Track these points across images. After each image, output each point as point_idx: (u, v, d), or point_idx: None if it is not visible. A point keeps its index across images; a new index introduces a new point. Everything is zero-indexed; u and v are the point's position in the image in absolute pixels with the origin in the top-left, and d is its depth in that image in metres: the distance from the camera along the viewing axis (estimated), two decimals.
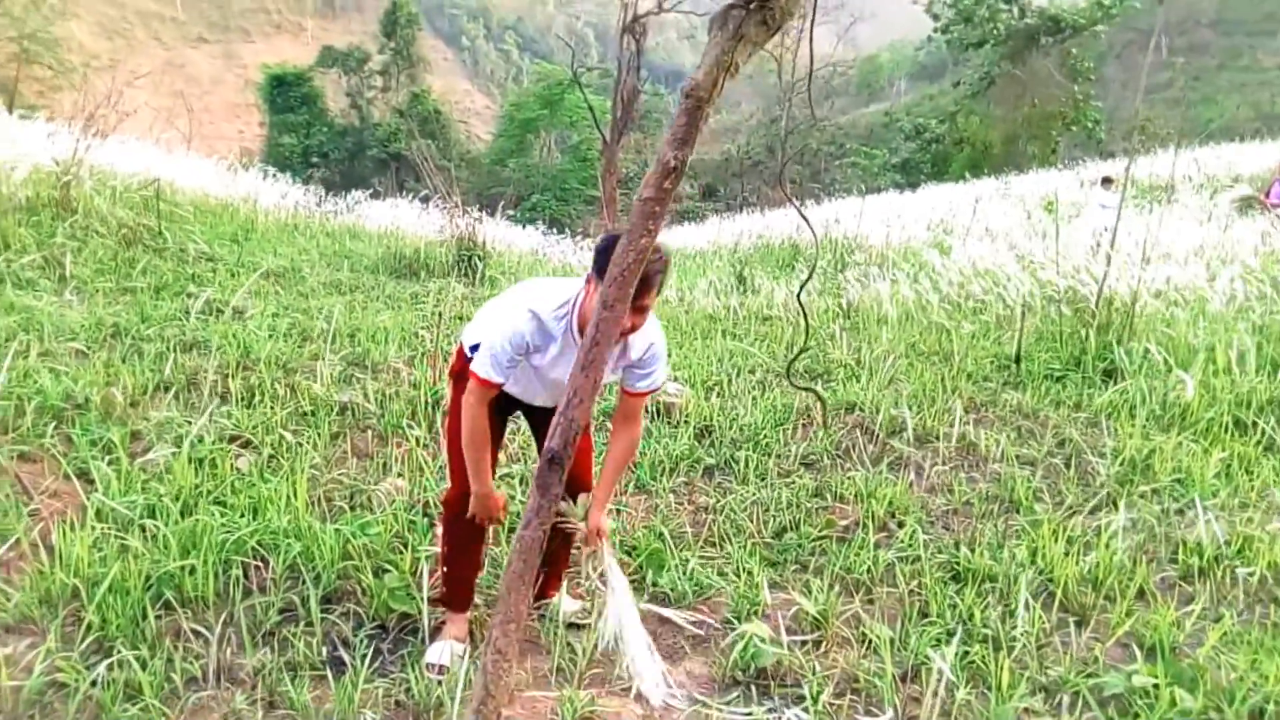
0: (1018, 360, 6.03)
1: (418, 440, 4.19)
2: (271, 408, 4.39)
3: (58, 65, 40.67)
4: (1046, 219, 12.35)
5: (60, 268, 6.24)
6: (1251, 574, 2.95)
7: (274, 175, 14.47)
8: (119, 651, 2.42)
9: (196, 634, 2.56)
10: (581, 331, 2.37)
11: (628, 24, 35.70)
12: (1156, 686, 2.21)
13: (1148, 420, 4.59)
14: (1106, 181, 13.86)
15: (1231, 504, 3.65)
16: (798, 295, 4.48)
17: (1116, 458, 4.20)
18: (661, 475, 4.13)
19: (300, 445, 3.99)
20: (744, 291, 10.93)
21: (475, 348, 2.53)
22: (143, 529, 3.00)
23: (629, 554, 3.19)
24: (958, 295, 8.46)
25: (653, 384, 2.61)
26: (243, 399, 4.51)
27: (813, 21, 2.81)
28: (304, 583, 2.79)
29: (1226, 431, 4.37)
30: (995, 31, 29.94)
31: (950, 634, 2.65)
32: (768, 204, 25.73)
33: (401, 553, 2.94)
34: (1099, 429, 4.63)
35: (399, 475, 3.85)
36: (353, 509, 3.44)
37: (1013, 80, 30.04)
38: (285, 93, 41.63)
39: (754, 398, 5.57)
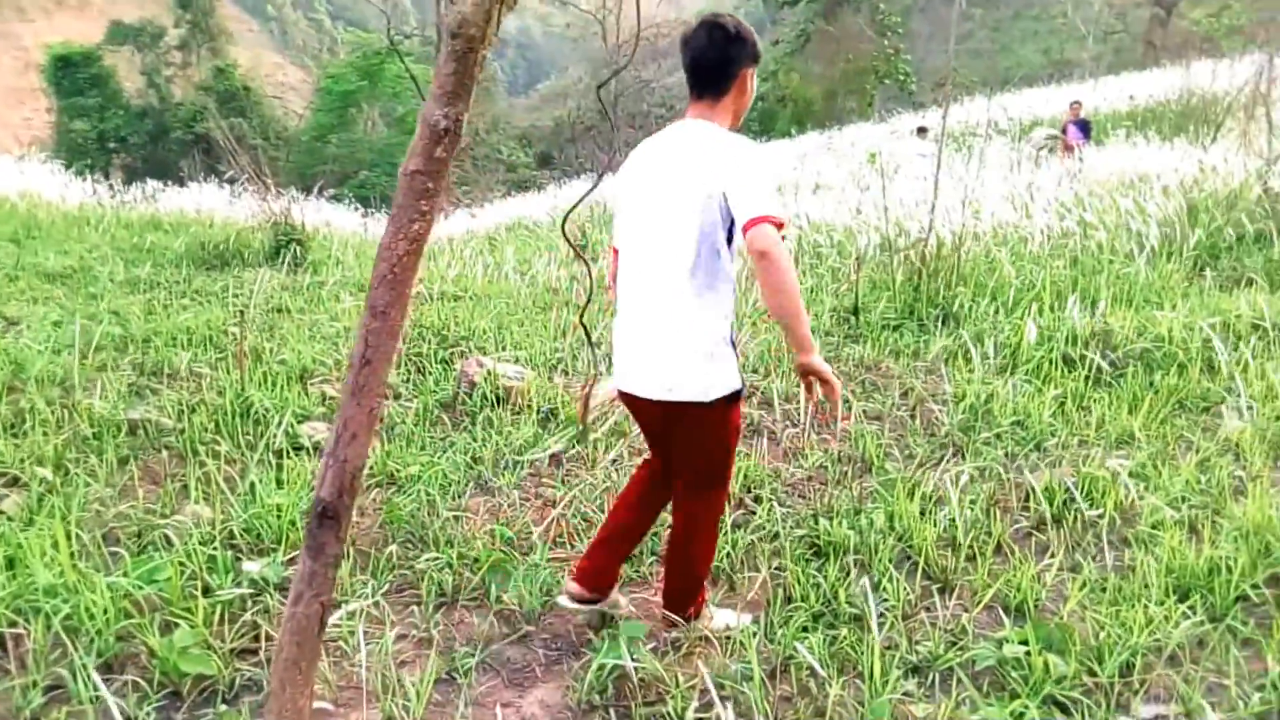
0: (855, 312, 6.06)
1: (224, 456, 3.70)
2: (44, 435, 3.77)
3: None
4: (871, 170, 12.68)
5: None
6: (1100, 516, 2.96)
7: (63, 165, 12.94)
8: None
9: None
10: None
11: None
12: (1028, 654, 2.13)
13: (983, 364, 4.65)
14: (922, 131, 14.41)
15: (1071, 443, 3.70)
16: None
17: (958, 405, 4.21)
18: (504, 470, 3.81)
19: (77, 477, 3.42)
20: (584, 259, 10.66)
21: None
22: None
23: (470, 566, 2.88)
24: (795, 250, 8.51)
25: (749, 210, 2.06)
26: (10, 428, 3.86)
27: None
28: (74, 652, 2.32)
29: (1057, 369, 4.48)
30: None
31: (816, 618, 2.50)
32: (604, 169, 25.44)
33: (195, 598, 2.50)
34: (939, 376, 4.65)
35: (200, 500, 3.36)
36: (141, 550, 2.95)
37: (827, 37, 30.91)
38: (72, 74, 37.61)
39: (600, 372, 5.32)
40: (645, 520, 2.56)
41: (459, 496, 3.50)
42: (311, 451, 3.91)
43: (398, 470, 3.69)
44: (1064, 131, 12.56)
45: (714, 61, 2.24)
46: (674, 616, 2.46)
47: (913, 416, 4.25)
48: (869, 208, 8.51)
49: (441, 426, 4.42)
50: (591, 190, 2.88)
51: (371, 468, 3.73)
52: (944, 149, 8.23)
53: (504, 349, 6.08)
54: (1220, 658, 2.19)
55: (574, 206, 3.35)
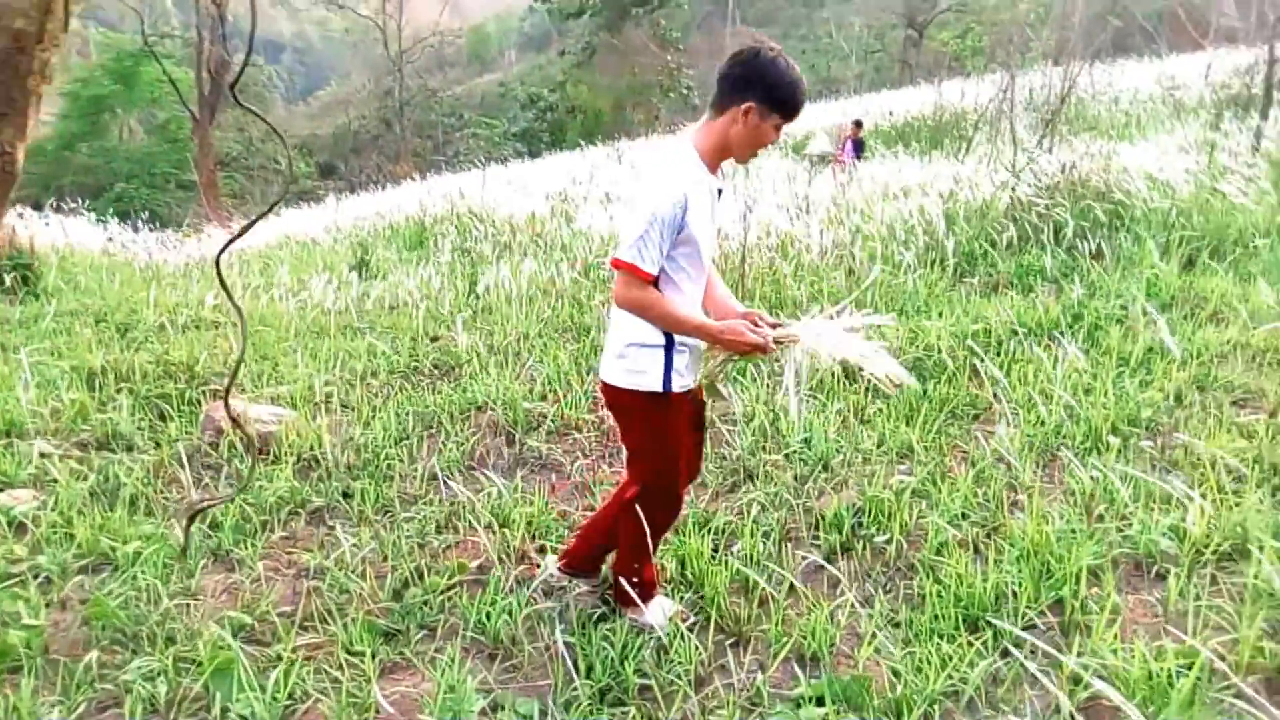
0: None
1: None
2: None
3: None
4: None
5: None
6: (888, 541, 2.90)
7: None
8: None
9: None
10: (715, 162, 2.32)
11: None
12: (826, 718, 1.96)
13: (771, 380, 4.60)
14: None
15: (855, 459, 3.68)
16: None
17: (748, 424, 4.12)
18: (251, 535, 3.30)
19: None
20: (366, 279, 10.01)
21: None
22: None
23: (191, 670, 2.38)
24: (587, 264, 8.32)
25: (616, 249, 2.30)
26: None
27: None
28: None
29: (837, 381, 4.49)
30: (591, 2, 31.05)
31: (603, 695, 2.23)
32: (391, 180, 24.40)
33: None
34: (727, 397, 4.56)
35: None
36: None
37: (613, 49, 31.36)
38: None
39: (374, 408, 4.85)
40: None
41: (189, 576, 2.96)
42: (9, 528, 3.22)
43: (114, 548, 3.09)
44: (841, 148, 13.21)
45: (719, 76, 2.28)
46: (571, 572, 2.76)
47: (707, 439, 4.11)
48: None
49: (178, 486, 3.82)
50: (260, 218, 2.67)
51: (80, 545, 3.11)
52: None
53: (266, 384, 5.46)
54: (1012, 694, 2.13)
55: (233, 239, 3.06)
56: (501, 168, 20.62)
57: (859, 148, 13.09)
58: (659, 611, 2.55)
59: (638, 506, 2.42)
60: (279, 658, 2.46)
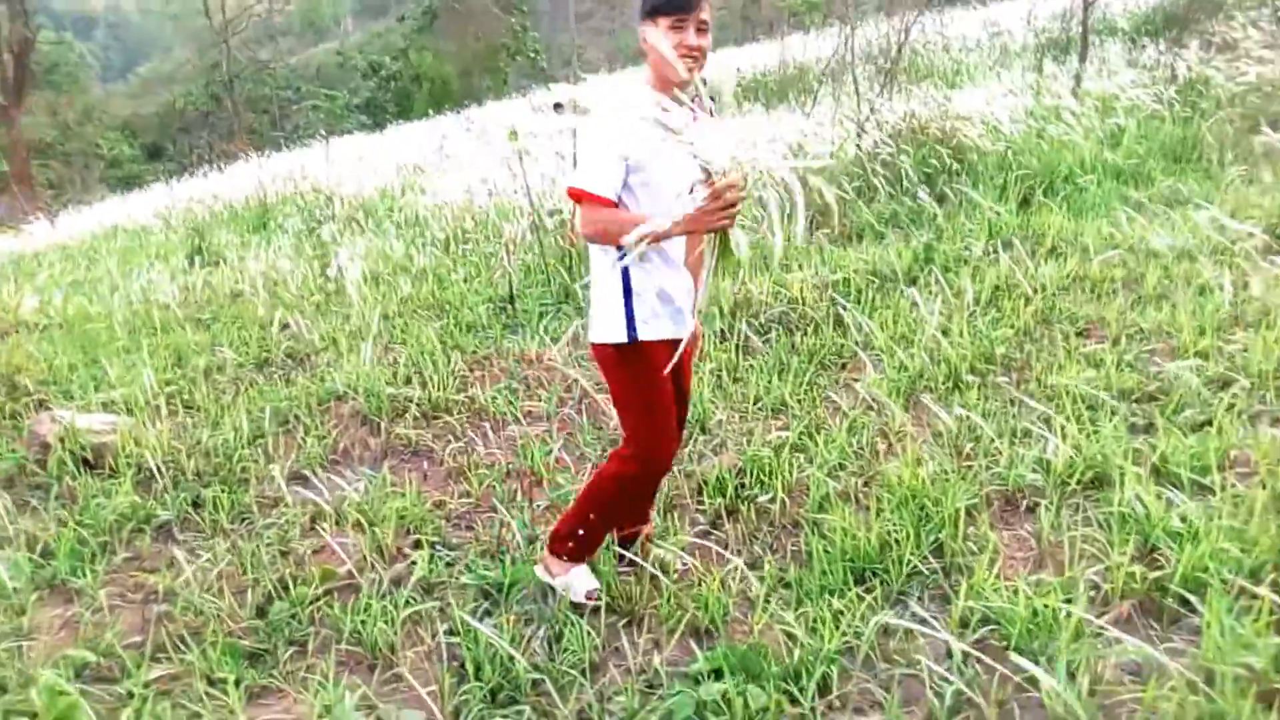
0: (512, 301, 5.76)
1: None
2: None
3: None
4: (511, 149, 12.48)
5: None
6: (771, 500, 2.89)
7: None
8: None
9: None
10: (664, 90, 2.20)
11: None
12: (726, 695, 1.92)
13: None
14: (558, 107, 14.46)
15: (733, 420, 3.66)
16: None
17: None
18: (89, 561, 2.98)
19: None
20: (204, 265, 9.35)
21: None
22: None
23: None
24: (444, 239, 8.03)
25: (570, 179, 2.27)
26: None
27: None
28: None
29: (710, 342, 4.47)
30: None
31: (494, 695, 2.12)
32: (226, 159, 22.86)
33: None
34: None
35: None
36: None
37: (455, 14, 30.30)
38: None
39: (224, 406, 4.51)
40: None
41: (19, 614, 2.65)
42: None
43: None
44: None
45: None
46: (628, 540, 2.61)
47: (579, 412, 4.01)
48: (516, 188, 8.24)
49: (2, 511, 3.42)
50: None
51: None
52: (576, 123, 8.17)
53: (97, 390, 4.98)
54: (905, 645, 2.15)
55: None
56: (349, 139, 19.66)
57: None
58: (579, 579, 2.47)
59: (624, 460, 2.37)
60: (130, 695, 2.23)
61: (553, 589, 2.47)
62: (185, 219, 13.71)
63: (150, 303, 7.39)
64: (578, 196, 2.20)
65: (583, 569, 2.50)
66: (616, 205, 2.20)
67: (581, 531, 2.43)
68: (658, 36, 2.19)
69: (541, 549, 2.60)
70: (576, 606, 2.40)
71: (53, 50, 34.06)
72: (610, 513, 2.45)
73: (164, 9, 44.01)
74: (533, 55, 29.44)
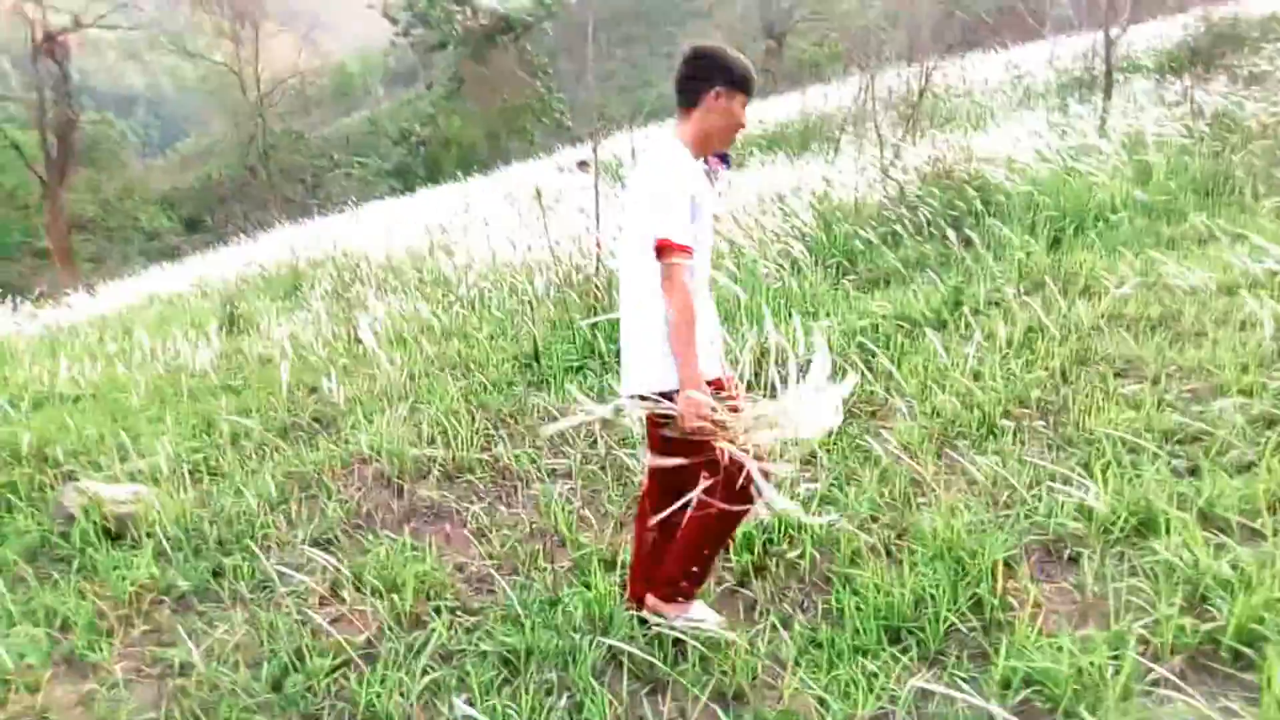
0: (536, 358, 5.73)
1: None
2: None
3: None
4: (537, 208, 12.61)
5: None
6: (800, 556, 2.78)
7: None
8: None
9: None
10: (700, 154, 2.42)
11: (41, 45, 29.98)
12: None
13: None
14: (583, 165, 14.64)
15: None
16: None
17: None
18: (106, 634, 2.94)
19: None
20: (235, 333, 9.48)
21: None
22: None
23: None
24: (470, 298, 8.07)
25: (654, 230, 2.28)
26: None
27: None
28: None
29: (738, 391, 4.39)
30: (454, 32, 30.64)
31: None
32: (260, 228, 23.39)
33: None
34: (625, 419, 4.41)
35: None
36: None
37: (481, 79, 31.02)
38: None
39: (249, 472, 4.50)
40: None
41: (34, 691, 2.60)
42: None
43: None
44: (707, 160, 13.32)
45: (679, 78, 2.43)
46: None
47: (604, 469, 3.94)
48: (537, 245, 8.29)
49: (23, 585, 3.40)
50: None
51: None
52: (600, 181, 8.24)
53: (124, 460, 5.00)
54: (944, 708, 2.03)
55: None
56: (379, 204, 20.06)
57: (725, 158, 13.26)
58: (702, 612, 2.49)
59: (713, 496, 2.34)
60: None
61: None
62: (219, 287, 13.97)
63: (181, 370, 7.47)
64: (666, 246, 2.24)
65: (699, 603, 2.53)
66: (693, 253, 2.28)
67: (695, 569, 2.44)
68: (736, 108, 2.40)
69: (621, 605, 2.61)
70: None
71: (94, 129, 35.23)
72: (717, 544, 2.48)
73: (201, 85, 45.51)
74: (557, 115, 30.02)
